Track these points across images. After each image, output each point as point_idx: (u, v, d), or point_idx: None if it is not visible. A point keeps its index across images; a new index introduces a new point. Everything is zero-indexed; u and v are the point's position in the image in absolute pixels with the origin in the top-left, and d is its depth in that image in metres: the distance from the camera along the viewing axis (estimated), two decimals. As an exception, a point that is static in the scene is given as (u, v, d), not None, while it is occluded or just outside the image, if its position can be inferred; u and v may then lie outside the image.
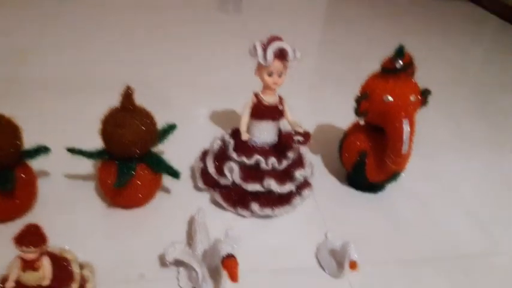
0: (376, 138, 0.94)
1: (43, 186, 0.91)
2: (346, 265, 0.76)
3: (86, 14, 1.80)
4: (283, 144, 0.92)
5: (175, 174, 0.88)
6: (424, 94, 0.92)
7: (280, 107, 0.92)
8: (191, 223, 0.87)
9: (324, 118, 1.26)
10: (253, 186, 0.89)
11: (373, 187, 1.02)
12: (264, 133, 0.92)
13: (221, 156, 0.93)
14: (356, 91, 0.94)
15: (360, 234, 0.91)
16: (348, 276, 0.80)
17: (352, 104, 0.93)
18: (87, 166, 0.97)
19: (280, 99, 0.92)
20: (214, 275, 0.73)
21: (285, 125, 0.95)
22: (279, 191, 0.89)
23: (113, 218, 0.89)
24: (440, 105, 1.40)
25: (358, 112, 0.93)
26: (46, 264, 0.64)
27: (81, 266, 0.71)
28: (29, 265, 0.63)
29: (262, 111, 0.90)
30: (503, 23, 2.23)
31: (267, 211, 0.90)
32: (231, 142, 0.92)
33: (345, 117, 1.04)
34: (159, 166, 0.88)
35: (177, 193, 0.96)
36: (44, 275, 0.64)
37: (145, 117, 0.84)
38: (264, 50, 0.85)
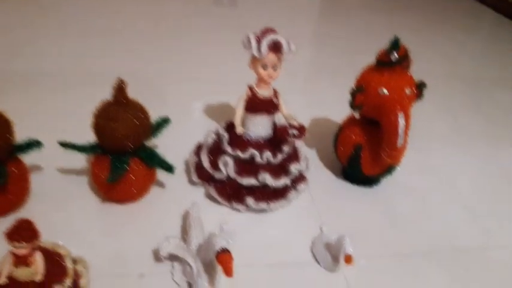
0: (372, 132, 0.93)
1: (35, 181, 0.90)
2: (341, 259, 0.76)
3: (81, 7, 1.79)
4: (278, 138, 0.92)
5: (169, 168, 0.87)
6: (420, 87, 0.91)
7: (275, 101, 0.91)
8: (186, 218, 0.86)
9: (319, 111, 1.26)
10: (248, 181, 0.88)
11: (368, 181, 1.02)
12: (259, 127, 0.91)
13: (216, 150, 0.93)
14: (351, 84, 0.94)
15: (355, 228, 0.91)
16: (343, 270, 0.80)
17: (347, 97, 0.92)
18: (80, 160, 0.96)
19: (275, 92, 0.92)
20: (209, 270, 0.72)
21: (280, 118, 0.94)
22: (274, 185, 0.88)
23: (106, 212, 0.88)
24: (436, 98, 1.40)
25: (353, 105, 0.92)
26: (38, 259, 0.64)
27: (75, 261, 0.71)
28: (21, 261, 0.62)
29: (256, 105, 0.90)
30: (499, 16, 2.23)
31: (262, 205, 0.89)
32: (226, 136, 0.91)
33: (340, 111, 1.03)
34: (153, 160, 0.87)
35: (172, 187, 0.95)
36: (36, 270, 0.63)
37: (139, 110, 0.83)
38: (258, 42, 0.84)
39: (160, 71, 1.40)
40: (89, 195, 0.91)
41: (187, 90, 1.32)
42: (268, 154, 0.89)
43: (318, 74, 1.54)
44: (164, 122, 0.93)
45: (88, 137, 0.85)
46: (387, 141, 0.87)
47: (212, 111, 1.22)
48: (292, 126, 0.90)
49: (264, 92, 0.90)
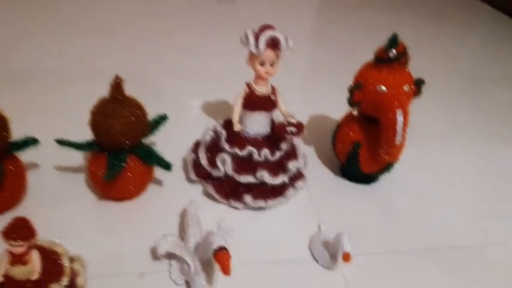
0: (370, 129, 0.93)
1: (32, 179, 0.89)
2: (340, 257, 0.76)
3: (80, 4, 1.77)
4: (276, 135, 0.91)
5: (166, 166, 0.87)
6: (418, 84, 0.91)
7: (273, 98, 0.91)
8: (183, 215, 0.86)
9: (317, 109, 1.25)
10: (246, 178, 0.88)
11: (366, 178, 1.02)
12: (257, 124, 0.91)
13: (213, 148, 0.92)
14: (349, 81, 0.93)
15: (353, 226, 0.90)
16: (341, 267, 0.80)
17: (345, 95, 0.92)
18: (78, 158, 0.95)
19: (273, 89, 0.91)
20: (207, 268, 0.72)
21: (278, 115, 0.94)
22: (272, 182, 0.88)
23: (103, 210, 0.88)
24: (434, 95, 1.40)
25: (351, 102, 0.92)
26: (35, 258, 0.63)
27: (72, 260, 0.70)
28: (17, 259, 0.62)
29: (254, 102, 0.89)
30: (496, 12, 2.23)
31: (260, 203, 0.89)
32: (224, 133, 0.91)
33: (338, 108, 1.03)
34: (150, 158, 0.87)
35: (169, 185, 0.95)
36: (33, 269, 0.63)
37: (136, 107, 0.83)
38: (256, 38, 0.84)
39: (158, 68, 1.39)
40: (86, 193, 0.91)
41: (186, 87, 1.32)
42: (266, 151, 0.88)
43: (316, 71, 1.54)
44: (162, 119, 0.92)
45: (85, 134, 0.84)
46: (385, 138, 0.87)
47: (210, 109, 1.22)
48: (290, 124, 0.89)
49: (261, 89, 0.89)
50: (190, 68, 1.43)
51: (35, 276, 0.63)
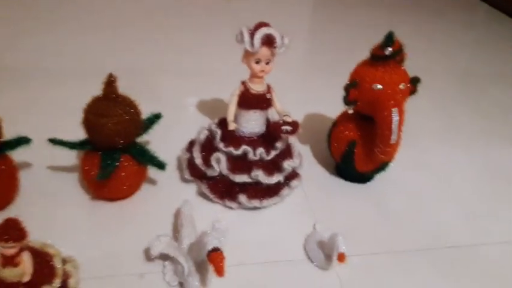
0: (366, 128, 0.92)
1: (24, 179, 0.88)
2: (335, 257, 0.75)
3: (75, 1, 1.76)
4: (271, 134, 0.91)
5: (160, 165, 0.86)
6: (414, 82, 0.90)
7: (269, 96, 0.90)
8: (177, 216, 0.85)
9: (313, 107, 1.25)
10: (240, 178, 0.87)
11: (362, 177, 1.01)
12: (252, 123, 0.90)
13: (208, 147, 0.91)
14: (345, 79, 0.93)
15: (348, 225, 0.90)
16: (336, 268, 0.79)
17: (341, 93, 0.91)
18: (70, 157, 0.95)
19: (269, 87, 0.90)
20: (201, 269, 0.72)
21: (273, 114, 0.93)
22: (267, 182, 0.87)
23: (96, 210, 0.87)
24: (431, 93, 1.39)
25: (347, 101, 0.91)
26: (26, 259, 0.62)
27: (64, 261, 0.69)
28: (8, 261, 0.61)
29: (249, 100, 0.89)
30: (493, 10, 2.23)
31: (255, 203, 0.88)
32: (218, 132, 0.90)
33: (333, 107, 1.02)
34: (144, 157, 0.86)
35: (163, 185, 0.94)
36: (24, 270, 0.62)
37: (129, 106, 0.82)
38: (251, 36, 0.83)
39: (152, 66, 1.38)
40: (79, 193, 0.90)
41: (181, 85, 1.31)
42: (261, 150, 0.88)
43: (311, 69, 1.53)
44: (156, 117, 0.91)
45: (79, 133, 0.84)
46: (381, 137, 0.87)
47: (206, 107, 1.21)
48: (285, 123, 0.89)
49: (257, 87, 0.89)
50: (185, 66, 1.42)
51: (26, 278, 0.62)
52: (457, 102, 1.41)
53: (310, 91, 1.38)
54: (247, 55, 0.86)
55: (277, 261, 0.81)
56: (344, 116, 0.99)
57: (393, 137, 0.85)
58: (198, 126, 0.96)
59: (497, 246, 0.91)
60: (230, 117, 0.89)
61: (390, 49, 0.86)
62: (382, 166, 0.97)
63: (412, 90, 0.91)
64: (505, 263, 0.87)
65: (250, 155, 0.87)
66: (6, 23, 1.53)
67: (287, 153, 0.93)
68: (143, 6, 1.80)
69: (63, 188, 0.91)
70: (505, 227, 0.96)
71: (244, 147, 0.87)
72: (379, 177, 1.02)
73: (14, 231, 0.60)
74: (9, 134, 0.83)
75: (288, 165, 0.90)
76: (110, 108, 0.80)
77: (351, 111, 0.96)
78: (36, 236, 0.65)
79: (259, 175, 0.86)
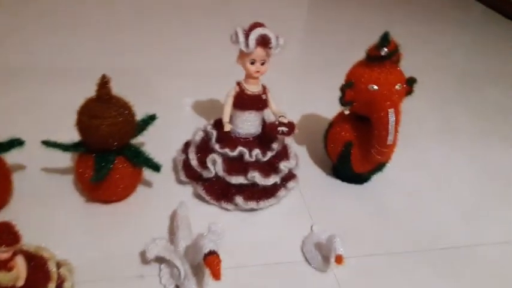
0: (362, 128, 0.92)
1: (18, 181, 0.87)
2: (332, 259, 0.75)
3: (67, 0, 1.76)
4: (267, 135, 0.90)
5: (155, 167, 0.85)
6: (410, 83, 0.90)
7: (264, 97, 0.90)
8: (173, 218, 0.84)
9: (309, 108, 1.24)
10: (237, 179, 0.86)
11: (358, 178, 1.01)
12: (248, 124, 0.90)
13: (204, 148, 0.91)
14: (341, 80, 0.92)
15: (345, 226, 0.90)
16: (334, 270, 0.79)
17: (337, 93, 0.91)
18: (65, 159, 0.94)
19: (264, 88, 0.90)
20: (197, 272, 0.71)
21: (269, 115, 0.93)
22: (263, 183, 0.87)
23: (91, 213, 0.86)
24: (427, 94, 1.39)
25: (343, 101, 0.91)
26: (20, 263, 0.62)
27: (59, 265, 0.69)
28: (2, 265, 0.60)
29: (245, 101, 0.88)
30: (488, 10, 2.23)
31: (252, 204, 0.88)
32: (214, 133, 0.90)
33: (330, 107, 1.02)
34: (138, 159, 0.85)
35: (159, 187, 0.93)
36: (18, 275, 0.61)
37: (123, 107, 0.81)
38: (246, 36, 0.82)
39: (147, 66, 1.38)
40: (73, 195, 0.89)
41: (176, 86, 1.30)
42: (257, 152, 0.87)
43: (307, 70, 1.53)
44: (150, 119, 0.91)
45: (73, 135, 0.83)
46: (377, 138, 0.86)
47: (202, 108, 1.20)
48: (281, 123, 0.88)
49: (252, 88, 0.88)
50: (180, 67, 1.41)
51: (20, 282, 0.62)
52: (453, 103, 1.41)
53: (306, 92, 1.38)
54: (242, 56, 0.85)
55: (274, 263, 0.81)
56: (340, 116, 0.99)
57: (390, 138, 0.85)
58: (193, 127, 0.96)
59: (496, 246, 0.91)
60: (225, 118, 0.89)
61: (386, 49, 0.86)
62: (379, 167, 0.96)
63: (409, 91, 0.91)
64: (504, 264, 0.87)
65: (246, 156, 0.87)
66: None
67: (283, 154, 0.92)
68: (138, 7, 1.79)
69: (57, 191, 0.90)
70: (504, 227, 0.96)
71: (240, 148, 0.87)
72: (376, 178, 1.02)
73: (7, 235, 0.59)
74: (2, 136, 0.82)
75: (284, 166, 0.89)
76: (103, 109, 0.79)
77: (347, 112, 0.96)
78: (30, 239, 0.64)
79: (256, 176, 0.85)
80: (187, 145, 0.96)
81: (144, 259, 0.76)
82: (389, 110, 0.83)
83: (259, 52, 0.84)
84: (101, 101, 0.79)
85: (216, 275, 0.64)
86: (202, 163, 0.89)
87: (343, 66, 0.94)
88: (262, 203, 0.88)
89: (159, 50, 1.49)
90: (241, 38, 0.82)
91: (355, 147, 0.93)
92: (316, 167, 1.05)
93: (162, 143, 0.97)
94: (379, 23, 1.89)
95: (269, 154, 0.89)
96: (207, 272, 0.66)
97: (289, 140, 0.95)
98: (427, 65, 1.61)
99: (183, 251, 0.75)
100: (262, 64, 0.85)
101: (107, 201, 0.87)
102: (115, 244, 0.80)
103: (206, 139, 0.92)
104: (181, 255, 0.74)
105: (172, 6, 1.83)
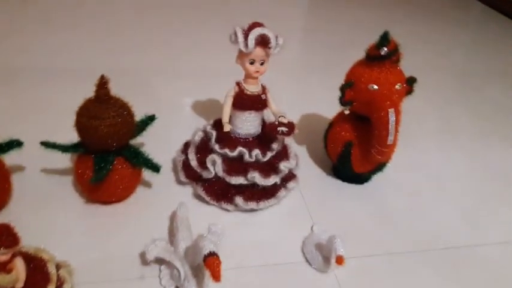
0: (362, 128, 0.92)
1: (17, 182, 0.87)
2: (333, 260, 0.74)
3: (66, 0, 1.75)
4: (267, 136, 0.90)
5: (154, 167, 0.85)
6: (410, 82, 0.90)
7: (264, 97, 0.89)
8: (173, 219, 0.84)
9: (309, 108, 1.24)
10: (236, 179, 0.86)
11: (359, 178, 1.00)
12: (247, 124, 0.90)
13: (203, 149, 0.91)
14: (341, 80, 0.92)
15: (346, 226, 0.89)
16: (334, 270, 0.78)
17: (337, 93, 0.90)
18: (64, 160, 0.93)
19: (264, 88, 0.90)
20: (197, 273, 0.71)
21: (269, 115, 0.92)
22: (263, 183, 0.86)
23: (91, 214, 0.86)
24: (427, 93, 1.39)
25: (343, 101, 0.90)
26: (19, 265, 0.61)
27: (58, 266, 0.68)
28: (1, 267, 0.60)
29: (244, 101, 0.88)
30: (487, 9, 2.23)
31: (252, 205, 0.87)
32: (213, 134, 0.89)
33: (330, 107, 1.02)
34: (138, 159, 0.85)
35: (158, 187, 0.93)
36: (17, 277, 0.61)
37: (122, 108, 0.81)
38: (245, 36, 0.82)
39: (146, 66, 1.38)
40: (72, 196, 0.89)
41: (176, 86, 1.30)
42: (257, 152, 0.87)
43: (307, 69, 1.53)
44: (150, 119, 0.91)
45: (72, 135, 0.82)
46: (377, 138, 0.86)
47: (202, 108, 1.20)
48: (281, 124, 0.88)
49: (251, 88, 0.88)
50: (180, 67, 1.41)
51: (19, 285, 0.61)
52: (453, 102, 1.41)
53: (306, 91, 1.37)
54: (241, 56, 0.85)
55: (274, 264, 0.81)
56: (340, 116, 0.99)
57: (390, 138, 0.84)
58: (193, 127, 0.96)
59: (496, 246, 0.90)
60: (225, 118, 0.88)
61: (386, 49, 0.85)
62: (379, 167, 0.96)
63: (409, 91, 0.90)
64: (504, 264, 0.87)
65: (246, 157, 0.86)
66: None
67: (283, 154, 0.92)
68: (137, 7, 1.79)
69: (56, 192, 0.89)
70: (504, 227, 0.95)
71: (239, 148, 0.87)
72: (377, 178, 1.02)
73: (6, 237, 0.59)
74: (1, 137, 0.82)
75: (284, 166, 0.89)
76: (102, 110, 0.79)
77: (347, 112, 0.96)
78: (29, 240, 0.64)
79: (256, 177, 0.85)
80: (186, 145, 0.96)
81: (144, 260, 0.75)
82: (389, 109, 0.83)
83: (259, 52, 0.83)
84: (100, 102, 0.79)
85: (216, 277, 0.64)
86: (202, 163, 0.89)
87: (343, 66, 0.93)
88: (262, 204, 0.88)
89: (158, 50, 1.49)
90: (241, 38, 0.82)
91: (355, 147, 0.93)
92: (317, 167, 1.05)
93: (161, 143, 0.97)
94: (379, 23, 1.88)
95: (269, 154, 0.89)
96: (207, 273, 0.65)
97: (289, 140, 0.95)
98: (427, 65, 1.61)
99: (183, 252, 0.74)
100: (262, 64, 0.85)
101: (106, 202, 0.87)
102: (115, 245, 0.80)
103: (206, 139, 0.91)
104: (181, 256, 0.73)
105: (172, 6, 1.83)
